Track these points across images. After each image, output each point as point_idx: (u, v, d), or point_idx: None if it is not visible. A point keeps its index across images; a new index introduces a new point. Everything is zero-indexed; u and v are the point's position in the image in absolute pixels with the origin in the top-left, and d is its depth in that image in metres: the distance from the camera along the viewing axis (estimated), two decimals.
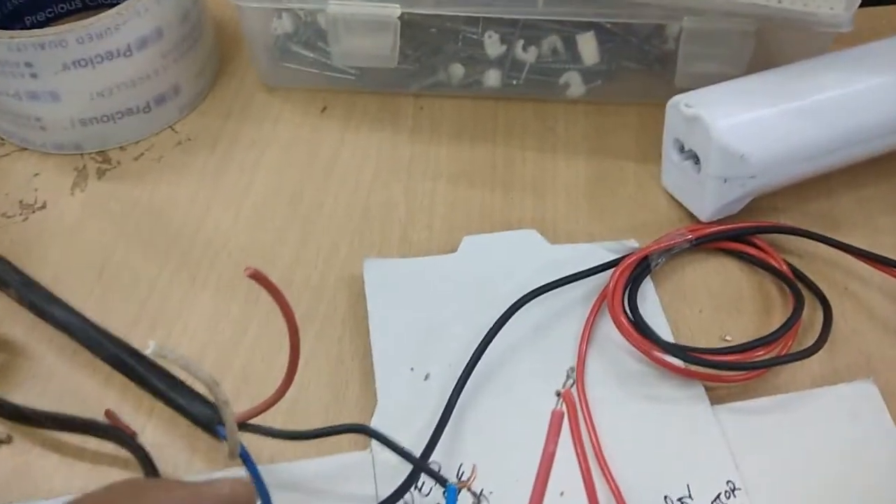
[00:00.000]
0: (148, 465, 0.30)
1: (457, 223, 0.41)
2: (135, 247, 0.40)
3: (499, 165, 0.44)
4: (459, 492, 0.27)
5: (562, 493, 0.30)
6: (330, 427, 0.30)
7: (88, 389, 0.34)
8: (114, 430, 0.31)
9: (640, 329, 0.33)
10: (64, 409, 0.32)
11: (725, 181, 0.37)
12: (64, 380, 0.34)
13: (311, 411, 0.33)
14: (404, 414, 0.33)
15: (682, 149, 0.39)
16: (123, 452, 0.31)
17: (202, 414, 0.29)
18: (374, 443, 0.32)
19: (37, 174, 0.43)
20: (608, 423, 0.32)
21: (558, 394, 0.24)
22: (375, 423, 0.32)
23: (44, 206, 0.41)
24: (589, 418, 0.31)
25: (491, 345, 0.34)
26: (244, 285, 0.38)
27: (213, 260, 0.39)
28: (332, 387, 0.34)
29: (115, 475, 0.31)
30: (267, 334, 0.36)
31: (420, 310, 0.36)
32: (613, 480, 0.29)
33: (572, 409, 0.22)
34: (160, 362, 0.30)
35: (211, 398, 0.29)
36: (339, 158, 0.44)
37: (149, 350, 0.23)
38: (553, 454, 0.21)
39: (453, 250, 0.39)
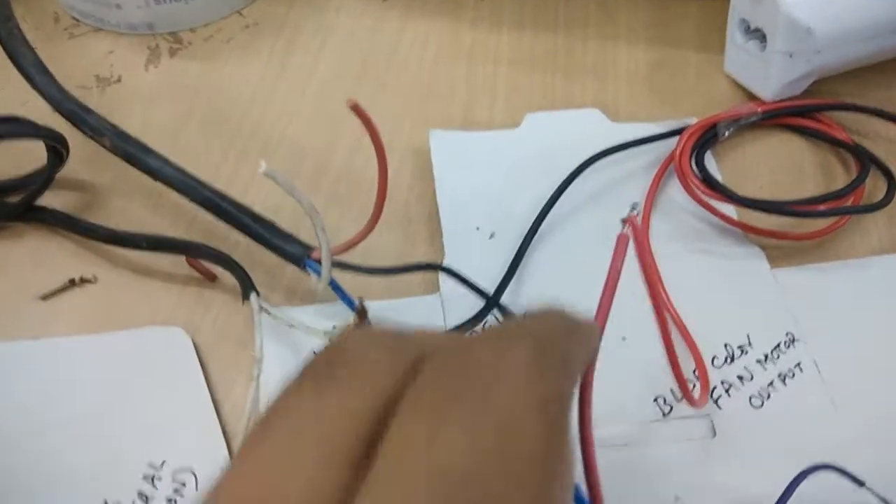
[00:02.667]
0: (246, 280, 0.31)
1: (518, 104, 0.41)
2: (208, 118, 0.41)
3: (560, 53, 0.44)
4: None
5: (623, 338, 0.31)
6: (409, 264, 0.31)
7: (171, 235, 0.35)
8: (211, 249, 0.32)
9: (708, 183, 0.34)
10: None
11: (791, 56, 0.37)
12: (148, 226, 0.35)
13: (381, 264, 0.34)
14: (470, 268, 0.34)
15: (747, 29, 0.39)
16: (207, 285, 0.33)
17: (292, 249, 0.31)
18: (444, 287, 0.33)
19: (111, 51, 0.44)
20: (667, 274, 0.33)
21: (623, 221, 0.24)
22: (443, 276, 0.34)
23: (119, 80, 0.43)
24: (651, 259, 0.32)
25: (555, 207, 0.35)
26: (311, 157, 0.39)
27: (283, 132, 0.40)
28: (399, 244, 0.35)
29: (211, 304, 0.33)
30: (335, 204, 0.37)
31: (484, 176, 0.37)
32: (676, 314, 0.30)
33: (639, 235, 0.23)
34: (268, 180, 0.28)
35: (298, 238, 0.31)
36: (400, 45, 0.45)
37: (261, 169, 0.25)
38: (619, 272, 0.21)
39: (516, 127, 0.40)
